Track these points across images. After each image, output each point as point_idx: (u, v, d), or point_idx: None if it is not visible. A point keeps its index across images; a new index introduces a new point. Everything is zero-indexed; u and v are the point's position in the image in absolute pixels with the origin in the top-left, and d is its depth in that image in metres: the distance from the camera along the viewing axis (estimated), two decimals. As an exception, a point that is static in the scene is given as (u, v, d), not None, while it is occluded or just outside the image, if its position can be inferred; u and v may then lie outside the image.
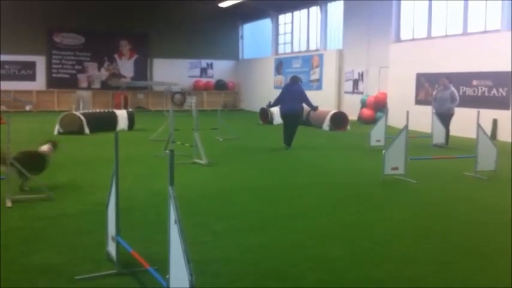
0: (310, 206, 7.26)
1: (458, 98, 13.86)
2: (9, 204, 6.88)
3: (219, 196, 7.82)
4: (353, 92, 22.79)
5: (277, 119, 20.53)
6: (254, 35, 32.00)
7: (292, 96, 13.01)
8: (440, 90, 14.20)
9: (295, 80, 13.49)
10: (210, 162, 10.52)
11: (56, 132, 15.70)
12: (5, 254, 5.05)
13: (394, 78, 19.90)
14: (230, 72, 32.44)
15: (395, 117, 16.06)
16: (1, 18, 26.52)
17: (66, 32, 28.96)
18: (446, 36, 18.19)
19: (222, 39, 31.76)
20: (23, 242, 5.44)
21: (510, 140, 14.64)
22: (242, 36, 32.75)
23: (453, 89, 13.88)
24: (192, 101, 27.23)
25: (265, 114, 20.99)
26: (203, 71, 32.00)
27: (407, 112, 9.42)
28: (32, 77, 28.40)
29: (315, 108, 13.62)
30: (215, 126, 15.39)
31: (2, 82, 27.24)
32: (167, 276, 3.43)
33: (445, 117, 13.71)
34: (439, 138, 13.64)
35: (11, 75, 27.86)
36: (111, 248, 4.71)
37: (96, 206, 6.81)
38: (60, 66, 29.05)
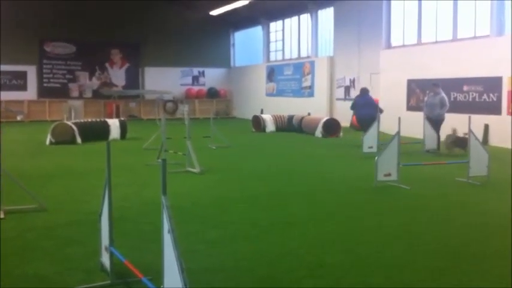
0: (304, 213, 7.26)
1: (447, 104, 13.96)
2: (2, 215, 6.84)
3: (212, 204, 7.81)
4: (345, 99, 22.86)
5: (270, 127, 20.60)
6: (245, 42, 32.07)
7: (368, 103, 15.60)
8: (430, 96, 14.29)
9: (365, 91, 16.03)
10: (203, 170, 10.51)
11: (47, 142, 15.62)
12: (-2, 266, 5.02)
13: (385, 84, 20.00)
14: (222, 80, 32.47)
15: (387, 124, 16.11)
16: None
17: (57, 41, 28.88)
18: (437, 42, 18.31)
19: (214, 47, 31.81)
20: (16, 253, 5.40)
21: (501, 145, 14.73)
22: (233, 44, 32.81)
23: (443, 94, 13.99)
24: (184, 109, 27.25)
25: (257, 122, 21.00)
26: (195, 79, 32.00)
27: (399, 118, 9.46)
28: (23, 87, 28.27)
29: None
30: (207, 134, 15.39)
31: (-7, 92, 27.14)
32: (161, 286, 3.41)
33: (435, 123, 13.80)
34: (431, 143, 13.69)
35: (1, 85, 27.72)
36: (105, 258, 4.68)
37: (89, 216, 6.78)
38: (51, 75, 28.96)
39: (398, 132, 9.15)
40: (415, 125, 15.64)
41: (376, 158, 9.10)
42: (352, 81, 22.41)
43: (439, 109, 13.83)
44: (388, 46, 20.59)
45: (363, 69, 21.63)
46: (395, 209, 7.55)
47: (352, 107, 15.98)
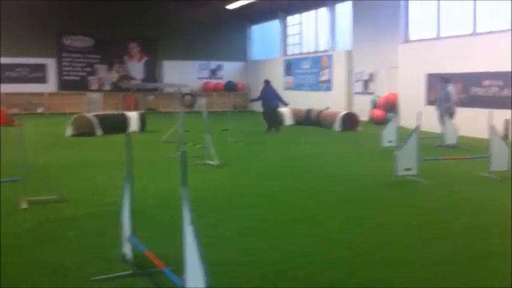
0: (317, 209, 7.23)
1: (453, 98, 14.16)
2: (24, 205, 6.95)
3: (227, 198, 7.84)
4: (363, 93, 22.74)
5: (288, 120, 20.57)
6: (263, 36, 32.01)
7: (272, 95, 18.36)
8: (439, 90, 14.40)
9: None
10: (221, 163, 10.55)
11: (67, 134, 15.79)
12: (21, 255, 5.10)
13: (403, 78, 19.84)
14: (239, 74, 32.49)
15: (406, 118, 16.01)
16: (12, 21, 26.76)
17: (76, 35, 29.11)
18: (456, 36, 18.10)
19: (231, 41, 31.82)
20: (39, 243, 5.49)
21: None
22: (250, 38, 32.78)
23: (449, 88, 14.09)
24: (201, 103, 27.33)
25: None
26: (212, 73, 32.07)
27: (419, 113, 9.40)
28: (43, 80, 28.58)
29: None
30: (225, 128, 15.42)
31: (14, 85, 27.46)
32: (183, 276, 3.45)
33: (445, 117, 13.88)
34: (450, 138, 13.59)
35: (22, 77, 28.06)
36: (126, 249, 4.74)
37: (109, 207, 6.87)
38: (71, 68, 29.21)
39: (418, 127, 9.10)
40: (434, 120, 15.52)
41: (395, 152, 9.06)
42: (371, 75, 22.28)
43: (446, 103, 13.99)
44: (406, 40, 20.42)
45: (381, 63, 21.47)
46: (413, 204, 7.50)
47: (259, 99, 18.46)
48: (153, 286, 4.34)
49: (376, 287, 4.43)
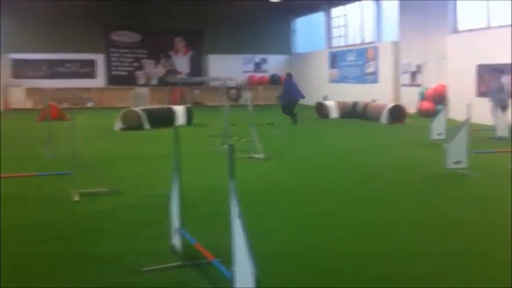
0: (366, 201, 7.17)
1: (507, 89, 13.79)
2: (76, 198, 7.15)
3: (274, 190, 7.86)
4: (411, 85, 22.33)
5: (333, 114, 20.42)
6: (307, 28, 31.80)
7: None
8: (492, 82, 14.08)
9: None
10: (266, 156, 10.57)
11: (117, 128, 16.14)
12: (74, 246, 5.26)
13: (453, 70, 19.37)
14: (284, 67, 32.34)
15: (456, 110, 15.65)
16: (61, 18, 27.52)
17: (123, 30, 29.64)
18: (506, 25, 17.51)
19: (275, 34, 31.75)
20: (90, 234, 5.64)
21: None
22: (295, 31, 32.62)
23: (503, 80, 13.78)
24: (247, 96, 27.42)
25: (321, 109, 20.87)
26: (257, 66, 32.10)
27: (469, 105, 9.17)
28: (92, 75, 29.27)
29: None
30: (270, 121, 15.42)
31: (64, 80, 28.26)
32: (232, 268, 3.48)
33: (498, 109, 13.54)
34: (502, 130, 13.21)
35: (72, 73, 28.83)
36: (176, 241, 4.82)
37: (157, 199, 6.96)
38: (119, 63, 29.79)
39: (468, 119, 8.88)
40: (485, 112, 15.11)
41: (445, 145, 8.87)
42: (419, 67, 21.85)
43: (499, 94, 13.69)
44: (455, 30, 19.91)
45: (429, 54, 21.02)
46: (463, 197, 7.34)
47: (286, 93, 18.65)
48: (203, 277, 4.40)
49: (423, 281, 4.35)
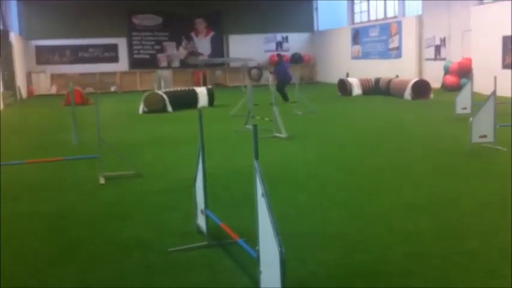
0: (394, 178, 7.15)
1: None
2: (102, 181, 7.25)
3: (299, 169, 7.86)
4: (435, 59, 21.98)
5: (356, 91, 20.24)
6: (329, 6, 31.42)
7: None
8: None
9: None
10: (289, 136, 10.56)
11: (140, 111, 16.26)
12: (101, 229, 5.35)
13: (478, 42, 18.99)
14: (306, 45, 32.13)
15: (481, 83, 15.37)
16: (83, 3, 27.66)
17: (144, 13, 29.68)
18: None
19: (297, 12, 31.46)
20: (117, 217, 5.73)
21: None
22: (317, 8, 32.26)
23: None
24: (269, 76, 27.32)
25: (343, 86, 20.70)
26: (278, 45, 31.88)
27: (495, 77, 9.00)
28: (115, 59, 29.45)
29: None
30: (293, 100, 15.35)
31: (87, 65, 28.52)
32: (257, 247, 3.51)
33: None
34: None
35: (95, 57, 29.06)
36: (201, 221, 4.87)
37: (182, 182, 7.04)
38: (141, 47, 29.90)
39: (494, 92, 8.72)
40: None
41: (470, 119, 8.74)
42: (443, 40, 21.46)
43: None
44: (480, 2, 19.47)
45: (454, 27, 20.63)
46: (490, 172, 7.26)
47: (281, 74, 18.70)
48: (228, 257, 4.45)
49: (460, 256, 4.32)
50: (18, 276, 4.26)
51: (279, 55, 20.91)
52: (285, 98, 17.96)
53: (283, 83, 18.60)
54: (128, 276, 4.16)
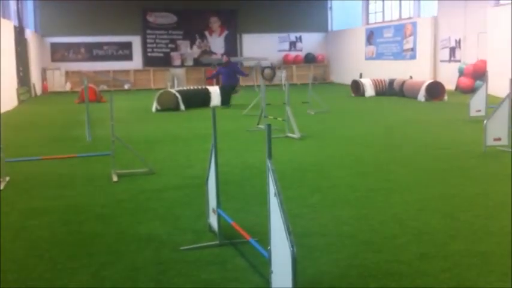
0: (405, 179, 7.11)
1: None
2: (115, 178, 7.29)
3: (312, 169, 7.84)
4: (450, 61, 21.84)
5: (369, 91, 20.17)
6: (343, 6, 31.32)
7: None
8: None
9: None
10: (302, 136, 10.54)
11: (153, 109, 16.33)
12: (114, 225, 5.38)
13: (494, 44, 18.83)
14: (319, 45, 32.06)
15: (495, 86, 15.25)
16: (98, 1, 27.81)
17: (159, 11, 29.78)
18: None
19: (311, 12, 31.39)
20: (130, 214, 5.76)
21: None
22: (331, 8, 32.18)
23: None
24: (282, 75, 27.31)
25: (356, 87, 20.64)
26: (292, 45, 31.84)
27: (510, 80, 8.92)
28: (129, 57, 29.58)
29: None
30: (306, 100, 15.34)
31: (101, 62, 28.68)
32: (269, 247, 3.51)
33: None
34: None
35: (109, 55, 29.20)
36: (213, 220, 4.88)
37: (194, 180, 7.07)
38: (155, 45, 29.99)
39: (509, 94, 8.65)
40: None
41: (484, 121, 8.68)
42: (458, 42, 21.32)
43: None
44: (497, 3, 19.31)
45: (470, 29, 20.47)
46: (504, 175, 7.19)
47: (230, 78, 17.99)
48: (240, 256, 4.45)
49: (474, 258, 4.30)
50: (33, 268, 4.30)
51: (227, 55, 20.37)
52: (227, 102, 17.35)
53: (231, 85, 17.96)
54: (141, 272, 4.18)
